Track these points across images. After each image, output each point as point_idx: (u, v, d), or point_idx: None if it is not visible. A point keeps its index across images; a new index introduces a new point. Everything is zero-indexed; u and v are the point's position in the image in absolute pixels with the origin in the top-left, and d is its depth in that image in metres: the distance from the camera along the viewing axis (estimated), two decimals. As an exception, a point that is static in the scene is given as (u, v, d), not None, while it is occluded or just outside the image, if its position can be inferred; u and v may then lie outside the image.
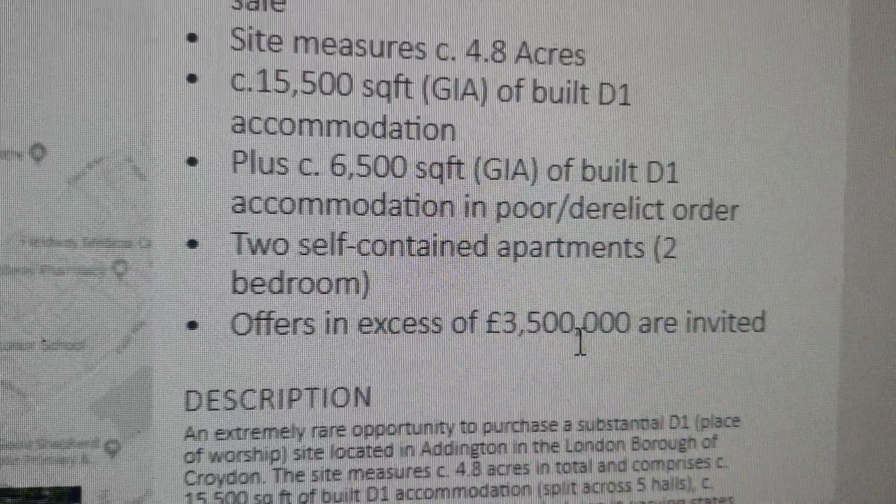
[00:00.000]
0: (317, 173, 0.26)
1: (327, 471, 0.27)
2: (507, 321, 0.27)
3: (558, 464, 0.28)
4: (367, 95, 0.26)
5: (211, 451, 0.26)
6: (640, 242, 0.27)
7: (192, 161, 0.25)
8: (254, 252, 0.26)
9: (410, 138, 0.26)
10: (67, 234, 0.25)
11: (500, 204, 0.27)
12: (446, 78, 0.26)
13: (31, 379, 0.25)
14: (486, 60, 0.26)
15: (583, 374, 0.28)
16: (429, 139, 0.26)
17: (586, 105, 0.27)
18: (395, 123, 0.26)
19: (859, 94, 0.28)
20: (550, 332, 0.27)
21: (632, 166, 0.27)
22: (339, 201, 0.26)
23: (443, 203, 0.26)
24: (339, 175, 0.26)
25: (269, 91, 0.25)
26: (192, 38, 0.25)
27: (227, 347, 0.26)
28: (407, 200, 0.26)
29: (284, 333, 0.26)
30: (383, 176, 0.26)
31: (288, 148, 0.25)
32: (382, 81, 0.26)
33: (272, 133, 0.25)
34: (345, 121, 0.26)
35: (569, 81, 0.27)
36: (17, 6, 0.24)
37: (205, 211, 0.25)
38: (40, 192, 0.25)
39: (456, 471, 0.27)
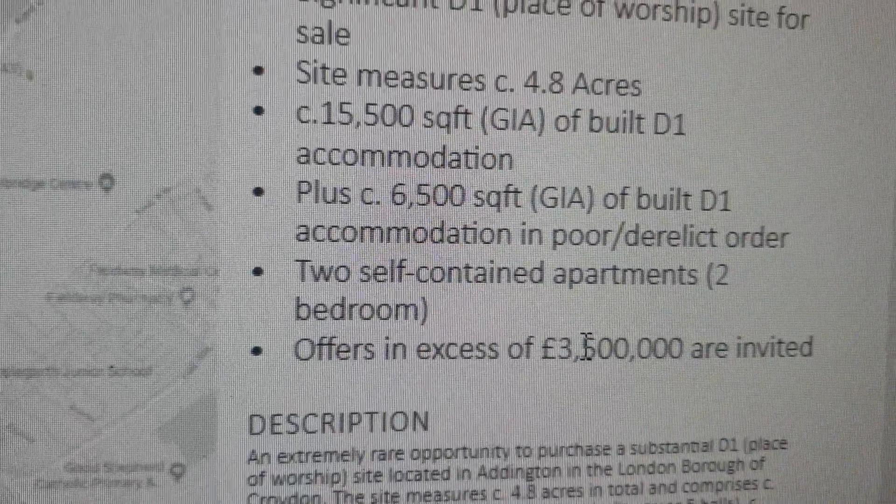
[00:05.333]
0: (378, 202, 0.25)
1: (386, 493, 0.26)
2: (562, 347, 0.27)
3: (611, 486, 0.28)
4: (428, 126, 0.25)
5: (273, 474, 0.26)
6: (694, 269, 0.27)
7: (258, 191, 0.25)
8: (316, 279, 0.25)
9: (469, 167, 0.26)
10: (135, 262, 0.25)
11: (556, 231, 0.26)
12: (504, 108, 0.26)
13: (99, 404, 0.25)
14: (544, 91, 0.26)
15: (636, 398, 0.27)
16: (487, 168, 0.26)
17: (642, 134, 0.26)
18: (454, 153, 0.26)
19: (907, 122, 0.28)
20: (605, 358, 0.27)
21: (686, 195, 0.27)
22: (398, 229, 0.26)
23: (500, 231, 0.26)
24: (400, 204, 0.26)
25: (333, 123, 0.25)
26: (258, 70, 0.24)
27: (290, 372, 0.25)
28: (465, 228, 0.26)
29: (345, 359, 0.26)
30: (442, 204, 0.26)
31: (351, 178, 0.25)
32: (442, 112, 0.25)
33: (335, 164, 0.25)
34: (406, 151, 0.25)
35: (625, 111, 0.26)
36: (85, 39, 0.24)
37: (270, 239, 0.25)
38: (109, 221, 0.24)
39: (511, 494, 0.27)
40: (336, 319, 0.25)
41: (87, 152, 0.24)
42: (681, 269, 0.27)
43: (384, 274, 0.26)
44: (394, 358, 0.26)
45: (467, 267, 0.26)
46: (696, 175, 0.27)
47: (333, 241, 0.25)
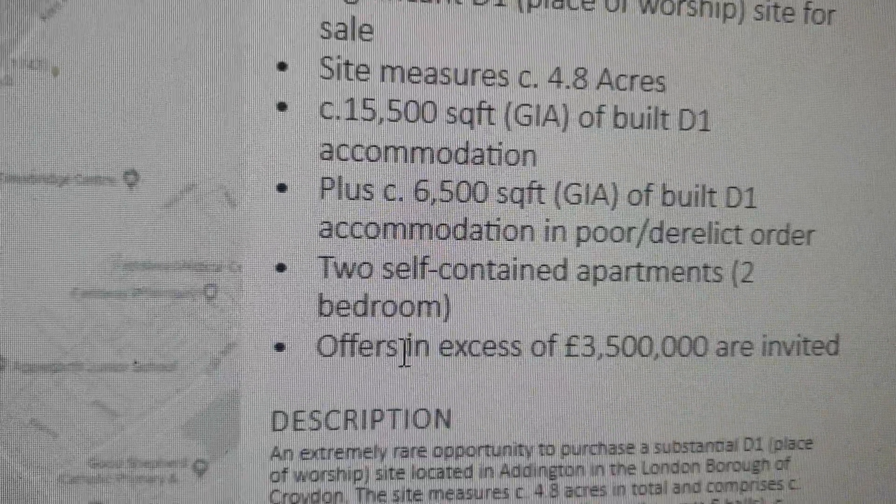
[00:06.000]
0: (401, 199, 0.25)
1: (408, 491, 0.26)
2: (586, 345, 0.26)
3: (634, 486, 0.27)
4: (451, 122, 0.25)
5: (296, 471, 0.26)
6: (719, 267, 0.27)
7: (281, 187, 0.25)
8: (339, 276, 0.25)
9: (492, 164, 0.26)
10: (160, 258, 0.25)
11: (580, 228, 0.26)
12: (528, 105, 0.26)
13: (123, 400, 0.25)
14: (568, 87, 0.26)
15: (660, 397, 0.27)
16: (510, 165, 0.26)
17: (667, 131, 0.26)
18: (477, 149, 0.25)
19: (935, 118, 0.28)
20: (629, 356, 0.27)
21: (711, 191, 0.26)
22: (421, 226, 0.25)
23: (523, 227, 0.26)
24: (423, 200, 0.25)
25: (356, 119, 0.25)
26: (282, 67, 0.24)
27: (312, 369, 0.25)
28: (488, 225, 0.26)
29: (368, 355, 0.26)
30: (465, 201, 0.26)
31: (373, 174, 0.25)
32: (466, 109, 0.25)
33: (358, 160, 0.25)
34: (428, 147, 0.25)
35: (649, 107, 0.26)
36: (110, 35, 0.24)
37: (293, 236, 0.25)
38: (134, 217, 0.24)
39: (534, 492, 0.27)
40: (359, 316, 0.25)
41: (112, 148, 0.24)
42: (706, 267, 0.27)
43: (407, 271, 0.25)
44: (416, 355, 0.26)
45: (490, 264, 0.26)
46: (721, 172, 0.26)
47: (356, 237, 0.25)
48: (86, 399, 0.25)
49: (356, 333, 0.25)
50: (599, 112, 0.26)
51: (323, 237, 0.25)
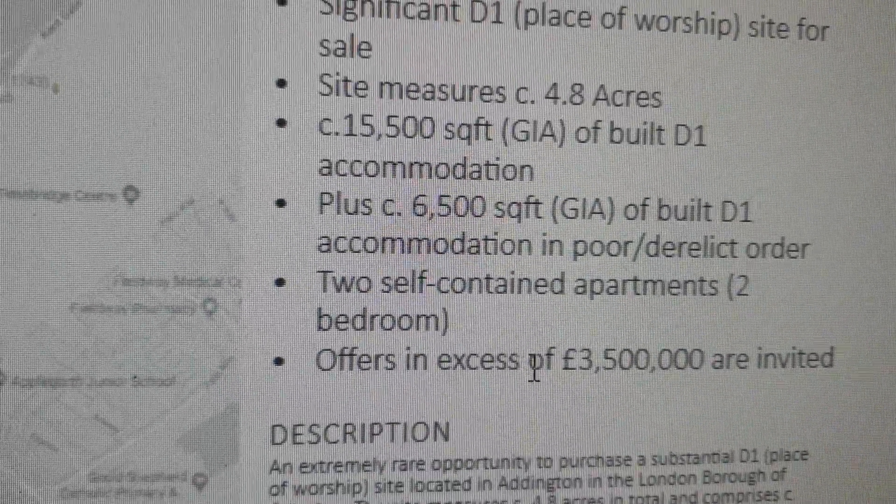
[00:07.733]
0: (399, 213, 0.25)
1: (407, 504, 0.26)
2: (583, 358, 0.27)
3: (632, 497, 0.27)
4: (449, 138, 0.25)
5: (295, 485, 0.26)
6: (714, 280, 0.27)
7: (280, 202, 0.25)
8: (338, 290, 0.25)
9: (490, 179, 0.26)
10: (159, 273, 0.25)
11: (576, 242, 0.26)
12: (525, 120, 0.26)
13: (122, 414, 0.25)
14: (565, 103, 0.26)
15: (657, 409, 0.27)
16: (507, 179, 0.26)
17: (662, 146, 0.26)
18: (474, 165, 0.26)
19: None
20: (626, 369, 0.27)
21: (706, 206, 0.27)
22: (419, 240, 0.26)
23: (520, 241, 0.26)
24: (421, 215, 0.26)
25: (354, 135, 0.25)
26: (281, 83, 0.25)
27: (311, 383, 0.25)
28: (486, 239, 0.26)
29: (367, 369, 0.26)
30: (463, 215, 0.26)
31: (372, 189, 0.25)
32: (463, 124, 0.25)
33: (357, 175, 0.25)
34: (427, 163, 0.25)
35: (645, 123, 0.26)
36: (110, 52, 0.24)
37: (292, 250, 0.25)
38: (133, 232, 0.25)
39: (532, 504, 0.27)
40: (357, 330, 0.25)
41: (111, 164, 0.24)
42: (701, 280, 0.27)
43: (405, 285, 0.26)
44: (414, 368, 0.26)
45: (488, 278, 0.26)
46: (716, 186, 0.27)
47: (355, 252, 0.25)
48: (86, 413, 0.25)
49: (355, 347, 0.26)
50: (596, 127, 0.26)
51: (322, 252, 0.25)
